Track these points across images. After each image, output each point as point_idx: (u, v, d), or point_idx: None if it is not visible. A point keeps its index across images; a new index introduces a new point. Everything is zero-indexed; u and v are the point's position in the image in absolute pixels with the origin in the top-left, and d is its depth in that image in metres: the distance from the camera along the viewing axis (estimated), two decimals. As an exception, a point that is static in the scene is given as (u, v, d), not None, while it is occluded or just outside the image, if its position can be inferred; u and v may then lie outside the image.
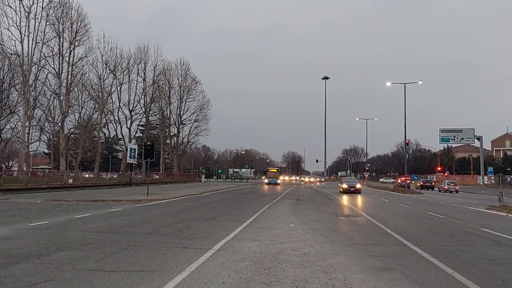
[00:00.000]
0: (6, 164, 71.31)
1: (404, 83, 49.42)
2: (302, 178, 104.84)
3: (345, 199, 29.45)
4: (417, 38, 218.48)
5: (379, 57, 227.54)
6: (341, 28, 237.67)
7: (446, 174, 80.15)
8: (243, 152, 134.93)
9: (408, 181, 51.67)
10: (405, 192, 42.17)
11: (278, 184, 60.73)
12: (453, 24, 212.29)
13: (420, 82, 56.08)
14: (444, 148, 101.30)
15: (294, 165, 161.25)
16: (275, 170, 69.15)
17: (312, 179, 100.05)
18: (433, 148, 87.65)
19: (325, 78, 48.13)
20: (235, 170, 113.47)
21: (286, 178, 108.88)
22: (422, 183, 59.29)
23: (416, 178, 57.39)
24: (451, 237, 11.52)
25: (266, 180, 64.51)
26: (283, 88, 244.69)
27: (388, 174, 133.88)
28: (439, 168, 69.31)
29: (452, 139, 49.77)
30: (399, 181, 58.02)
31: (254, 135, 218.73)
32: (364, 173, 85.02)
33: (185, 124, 71.20)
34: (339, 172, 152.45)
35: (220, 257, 7.80)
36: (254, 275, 6.49)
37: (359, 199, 30.07)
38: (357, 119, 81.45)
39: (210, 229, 11.75)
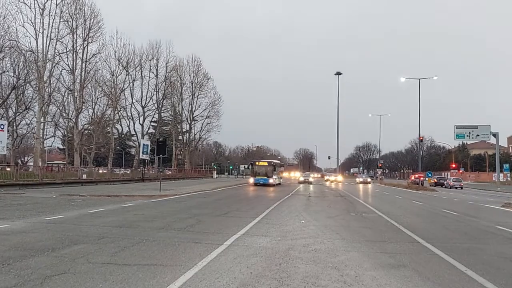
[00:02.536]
0: (22, 159, 72.62)
1: (419, 79, 48.85)
2: (327, 177, 75.46)
3: (357, 195, 29.29)
4: (430, 33, 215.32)
5: (394, 53, 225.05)
6: (354, 23, 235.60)
7: (460, 171, 79.10)
8: (255, 149, 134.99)
9: (422, 178, 51.21)
10: (419, 189, 41.82)
11: (272, 184, 40.28)
12: (467, 18, 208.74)
13: (435, 78, 55.19)
14: (459, 144, 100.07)
15: (306, 161, 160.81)
16: (266, 164, 43.44)
17: (336, 177, 70.54)
18: (447, 145, 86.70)
19: (338, 73, 47.67)
20: (246, 166, 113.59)
21: (297, 174, 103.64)
22: (436, 180, 58.76)
23: (430, 175, 57.03)
24: (465, 235, 11.38)
25: (251, 180, 42.12)
26: (295, 85, 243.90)
27: (402, 171, 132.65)
28: (453, 165, 68.33)
29: (467, 136, 48.91)
30: (413, 178, 57.52)
31: (266, 132, 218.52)
32: (377, 169, 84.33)
33: (196, 120, 71.61)
34: (351, 169, 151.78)
35: (231, 252, 7.83)
36: (265, 270, 6.51)
37: (372, 196, 29.88)
38: (370, 115, 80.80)
39: (222, 225, 11.80)
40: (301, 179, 56.96)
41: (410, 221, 14.10)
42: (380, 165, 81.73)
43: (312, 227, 11.78)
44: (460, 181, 54.64)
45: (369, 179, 62.02)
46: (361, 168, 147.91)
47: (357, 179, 63.14)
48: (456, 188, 50.78)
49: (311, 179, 56.71)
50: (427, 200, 26.60)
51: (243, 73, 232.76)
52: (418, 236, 10.49)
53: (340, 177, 72.77)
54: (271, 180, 40.43)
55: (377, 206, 20.08)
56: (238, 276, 6.12)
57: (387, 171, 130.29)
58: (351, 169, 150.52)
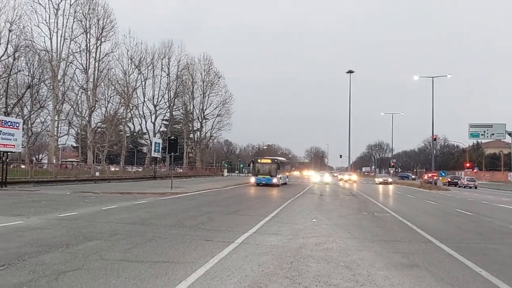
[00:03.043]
0: (37, 157, 73.74)
1: (432, 77, 48.18)
2: (340, 176, 69.50)
3: (369, 195, 29.09)
4: (444, 31, 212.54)
5: (406, 50, 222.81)
6: (366, 21, 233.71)
7: (475, 171, 78.05)
8: (265, 147, 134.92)
9: (435, 177, 50.64)
10: (432, 188, 41.37)
11: (276, 185, 35.19)
12: (480, 17, 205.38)
13: (449, 76, 54.43)
14: (473, 143, 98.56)
15: (317, 160, 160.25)
16: (269, 161, 37.43)
17: (350, 176, 62.76)
18: (461, 144, 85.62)
19: (350, 72, 47.34)
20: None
21: (311, 173, 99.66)
22: (449, 180, 58.07)
23: (443, 174, 56.36)
24: (479, 235, 11.23)
25: (252, 179, 36.56)
26: (306, 84, 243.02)
27: (414, 170, 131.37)
28: (467, 164, 67.41)
29: (482, 135, 48.37)
30: (426, 177, 56.88)
31: (277, 130, 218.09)
32: (389, 168, 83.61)
33: (208, 118, 71.91)
34: (363, 168, 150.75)
35: (243, 250, 7.84)
36: (276, 269, 6.50)
37: (385, 195, 29.66)
38: (382, 113, 79.70)
39: (233, 223, 11.83)
40: (316, 179, 50.06)
41: (423, 221, 13.96)
42: (392, 164, 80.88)
43: (324, 226, 11.74)
44: (474, 180, 53.78)
45: (389, 179, 54.11)
46: (373, 167, 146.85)
47: (377, 179, 56.19)
48: (470, 187, 50.11)
49: (328, 179, 49.53)
50: (441, 199, 26.30)
51: (255, 72, 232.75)
52: (431, 236, 10.37)
53: (354, 176, 65.41)
54: (275, 180, 35.33)
55: (389, 205, 19.93)
56: (250, 274, 6.13)
57: (399, 170, 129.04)
58: (363, 168, 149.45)
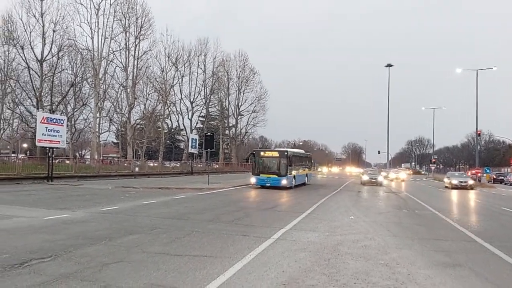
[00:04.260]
0: (80, 152, 76.81)
1: (476, 70, 46.14)
2: (383, 173, 48.83)
3: (409, 192, 28.33)
4: (488, 23, 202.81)
5: (448, 44, 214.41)
6: (406, 15, 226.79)
7: (522, 167, 74.10)
8: (301, 143, 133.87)
9: (479, 174, 48.56)
10: (476, 186, 39.68)
11: (285, 187, 25.65)
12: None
13: (494, 68, 51.82)
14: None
15: (355, 156, 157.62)
16: (276, 155, 27.40)
17: (397, 174, 52.46)
18: (508, 139, 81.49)
19: (389, 65, 46.01)
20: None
21: (355, 170, 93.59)
22: (495, 177, 55.56)
23: (488, 171, 53.80)
24: (527, 235, 10.68)
25: (252, 179, 26.91)
26: (344, 79, 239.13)
27: (457, 166, 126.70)
28: (514, 161, 64.03)
29: (530, 129, 45.78)
30: (469, 174, 54.68)
31: (313, 126, 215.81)
32: (430, 165, 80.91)
33: (243, 115, 72.23)
34: (402, 164, 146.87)
35: (279, 246, 7.85)
36: (313, 265, 6.46)
37: (425, 193, 28.80)
38: (423, 108, 76.94)
39: (269, 219, 11.86)
40: (365, 178, 36.86)
41: (466, 219, 13.46)
42: (433, 160, 78.06)
43: (362, 223, 11.55)
44: None
45: (469, 181, 33.89)
46: (413, 163, 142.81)
47: (448, 180, 34.66)
48: None
49: (380, 179, 36.33)
50: (485, 197, 25.22)
51: (291, 67, 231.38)
52: (475, 234, 9.98)
53: (403, 174, 53.77)
54: (284, 181, 25.52)
55: (430, 203, 19.31)
56: (287, 270, 6.13)
57: (441, 166, 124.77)
58: (402, 164, 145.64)
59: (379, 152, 79.30)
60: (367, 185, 33.95)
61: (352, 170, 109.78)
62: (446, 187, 34.44)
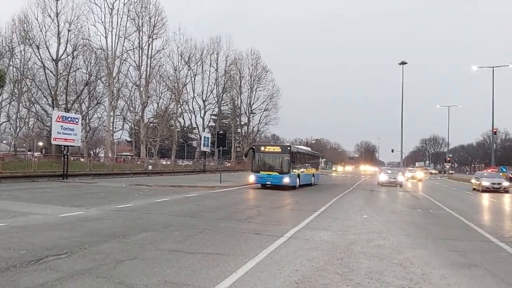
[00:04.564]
0: (94, 150, 77.79)
1: (493, 67, 45.36)
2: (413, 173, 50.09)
3: (423, 191, 28.02)
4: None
5: (463, 41, 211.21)
6: (417, 13, 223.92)
7: (540, 166, 72.65)
8: (313, 142, 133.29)
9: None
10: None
11: (288, 187, 23.55)
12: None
13: (511, 66, 50.96)
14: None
15: (368, 155, 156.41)
16: (278, 150, 24.68)
17: (413, 173, 50.11)
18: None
19: (403, 63, 45.37)
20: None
21: (370, 168, 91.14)
22: (511, 176, 54.58)
23: (504, 169, 52.76)
24: (545, 235, 10.46)
25: (252, 177, 24.51)
26: (357, 77, 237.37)
27: (472, 165, 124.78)
28: (531, 160, 62.78)
29: (548, 128, 44.83)
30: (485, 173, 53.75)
31: (326, 124, 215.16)
32: (445, 164, 79.88)
33: (255, 113, 72.25)
34: (416, 163, 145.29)
35: (292, 245, 7.83)
36: (326, 264, 6.44)
37: (439, 192, 28.45)
38: (438, 106, 76.02)
39: (281, 217, 11.86)
40: (382, 178, 32.62)
41: (482, 219, 13.27)
42: (448, 159, 77.04)
43: (375, 222, 11.46)
44: None
45: (505, 183, 27.95)
46: (427, 162, 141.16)
47: (477, 181, 29.47)
48: None
49: (400, 179, 32.10)
50: (501, 196, 24.80)
51: (303, 65, 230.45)
52: (491, 234, 9.83)
53: (420, 174, 50.92)
54: (286, 179, 23.17)
55: (445, 202, 19.08)
56: (300, 268, 6.11)
57: (456, 165, 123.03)
58: (416, 163, 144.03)
59: (392, 151, 78.40)
60: (385, 186, 30.36)
61: (366, 168, 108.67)
62: (474, 189, 29.76)
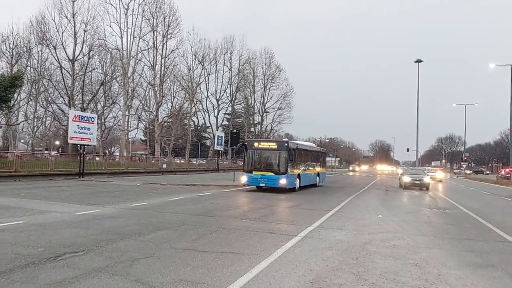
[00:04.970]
0: (109, 149, 78.72)
1: (510, 65, 44.42)
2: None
3: (440, 191, 27.65)
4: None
5: (479, 39, 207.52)
6: (433, 10, 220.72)
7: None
8: (327, 141, 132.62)
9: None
10: (510, 184, 38.34)
11: (285, 189, 20.55)
12: None
13: (529, 63, 49.79)
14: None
15: (383, 154, 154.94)
16: (274, 146, 21.29)
17: (434, 173, 44.59)
18: (543, 136, 78.34)
19: (418, 61, 44.67)
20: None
21: (386, 168, 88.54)
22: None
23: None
24: None
25: (243, 178, 21.37)
26: (371, 74, 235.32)
27: (490, 165, 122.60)
28: (551, 159, 61.21)
29: None
30: (503, 172, 52.70)
31: (340, 123, 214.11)
32: (462, 163, 78.63)
33: (268, 112, 72.17)
34: (432, 162, 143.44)
35: (306, 244, 7.81)
36: (341, 264, 6.41)
37: (456, 192, 28.04)
38: (454, 104, 74.29)
39: (295, 216, 11.83)
40: (406, 179, 27.67)
41: (500, 219, 13.03)
42: (465, 158, 75.74)
43: (390, 222, 11.36)
44: None
45: None
46: (444, 161, 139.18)
47: None
48: None
49: (426, 180, 27.42)
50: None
51: (316, 64, 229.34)
52: (509, 234, 9.67)
53: (440, 174, 47.22)
54: (283, 181, 20.16)
55: (461, 202, 18.80)
56: (314, 268, 6.10)
57: (472, 164, 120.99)
58: (432, 162, 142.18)
59: (408, 150, 77.41)
60: (409, 189, 26.02)
61: (383, 168, 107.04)
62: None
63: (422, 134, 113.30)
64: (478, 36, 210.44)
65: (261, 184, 21.01)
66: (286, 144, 20.98)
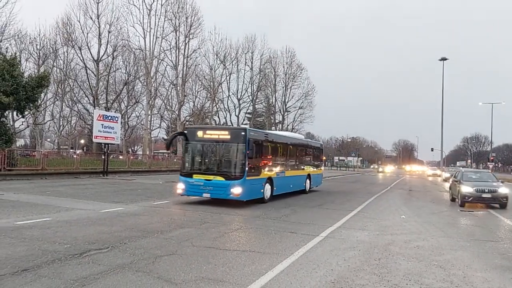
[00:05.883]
0: (132, 148, 79.97)
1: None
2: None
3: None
4: None
5: (506, 36, 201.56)
6: (458, 7, 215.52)
7: None
8: (349, 140, 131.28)
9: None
10: None
11: (242, 200, 13.10)
12: None
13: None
14: None
15: (406, 154, 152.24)
16: (226, 136, 13.56)
17: None
18: None
19: (443, 59, 43.60)
20: (340, 158, 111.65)
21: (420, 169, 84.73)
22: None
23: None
24: None
25: (180, 186, 13.63)
26: (394, 73, 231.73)
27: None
28: None
29: None
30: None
31: (362, 123, 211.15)
32: (488, 163, 76.55)
33: (289, 111, 71.75)
34: (457, 162, 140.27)
35: (328, 244, 7.76)
36: (363, 264, 6.34)
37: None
38: (480, 103, 72.26)
39: (316, 216, 11.76)
40: (466, 189, 15.98)
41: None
42: (492, 158, 73.65)
43: (413, 222, 11.16)
44: None
45: None
46: (469, 161, 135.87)
47: None
48: None
49: (504, 191, 15.86)
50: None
51: (339, 62, 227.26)
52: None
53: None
54: (236, 189, 12.87)
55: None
56: (335, 268, 6.05)
57: (500, 165, 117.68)
58: (457, 163, 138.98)
59: (432, 150, 76.04)
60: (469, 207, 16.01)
61: (412, 168, 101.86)
62: None
63: (447, 134, 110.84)
64: (505, 33, 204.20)
65: (203, 194, 13.53)
66: (243, 133, 13.52)
